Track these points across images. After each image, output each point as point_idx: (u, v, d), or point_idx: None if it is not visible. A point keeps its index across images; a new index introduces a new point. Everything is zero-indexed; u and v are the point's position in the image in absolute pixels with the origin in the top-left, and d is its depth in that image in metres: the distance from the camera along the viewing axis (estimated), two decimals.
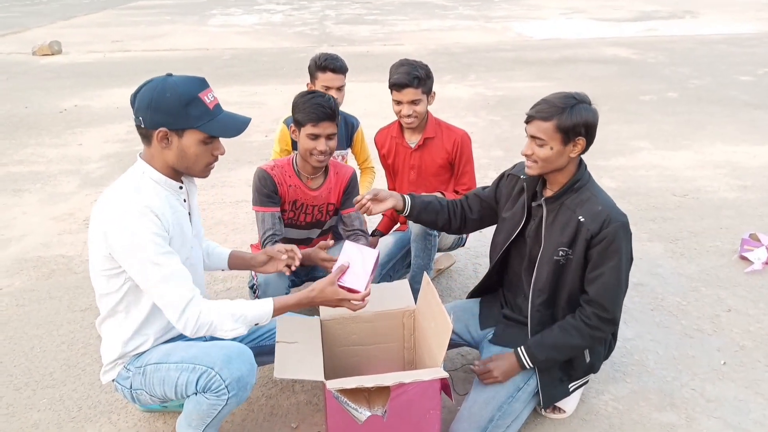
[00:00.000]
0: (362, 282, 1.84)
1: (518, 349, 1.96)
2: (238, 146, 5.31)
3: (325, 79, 2.85)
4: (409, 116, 2.63)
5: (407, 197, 2.18)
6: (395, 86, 2.60)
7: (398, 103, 2.64)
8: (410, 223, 2.55)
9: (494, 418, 1.87)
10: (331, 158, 3.00)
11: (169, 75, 1.70)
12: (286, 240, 2.57)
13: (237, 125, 1.73)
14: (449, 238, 2.74)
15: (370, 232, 3.03)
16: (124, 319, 1.77)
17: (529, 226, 2.03)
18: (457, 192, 2.79)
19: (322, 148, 2.28)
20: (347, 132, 3.07)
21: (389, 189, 3.02)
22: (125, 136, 5.71)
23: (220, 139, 1.75)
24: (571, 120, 1.81)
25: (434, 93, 2.72)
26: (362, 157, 3.19)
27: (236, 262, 2.14)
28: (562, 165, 1.90)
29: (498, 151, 5.13)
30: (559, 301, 1.97)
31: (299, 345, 1.83)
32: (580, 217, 1.87)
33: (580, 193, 1.92)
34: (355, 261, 1.88)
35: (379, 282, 2.53)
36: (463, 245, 2.94)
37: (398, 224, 3.04)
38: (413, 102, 2.61)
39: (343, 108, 3.01)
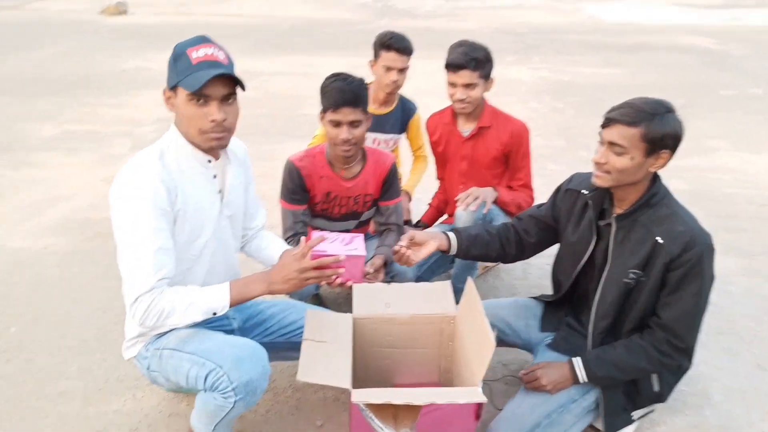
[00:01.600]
0: (336, 247, 1.67)
1: (574, 359, 1.79)
2: (287, 119, 5.23)
3: (388, 58, 2.69)
4: (462, 101, 2.44)
5: (451, 234, 1.99)
6: (451, 66, 2.41)
7: (452, 85, 2.45)
8: (457, 216, 2.37)
9: (541, 425, 1.71)
10: (380, 144, 2.88)
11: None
12: None
13: (203, 76, 1.51)
14: None
15: (414, 223, 2.89)
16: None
17: (599, 246, 1.83)
18: (510, 188, 2.59)
19: (344, 137, 2.11)
20: (403, 117, 2.91)
21: (438, 177, 2.85)
22: None
23: (223, 107, 1.56)
24: (662, 129, 1.60)
25: (493, 80, 2.51)
26: (416, 144, 3.03)
27: None
28: (638, 179, 1.69)
29: (559, 140, 4.84)
30: (624, 327, 1.79)
31: (328, 345, 1.71)
32: (658, 238, 1.66)
33: (656, 209, 1.71)
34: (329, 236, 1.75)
35: (418, 280, 2.38)
36: None
37: (445, 216, 2.87)
38: (468, 86, 2.41)
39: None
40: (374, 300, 1.94)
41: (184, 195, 1.63)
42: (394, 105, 2.88)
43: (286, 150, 4.66)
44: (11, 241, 3.14)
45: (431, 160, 2.93)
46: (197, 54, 1.55)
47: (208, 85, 1.52)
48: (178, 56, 1.56)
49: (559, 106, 5.88)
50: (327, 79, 2.15)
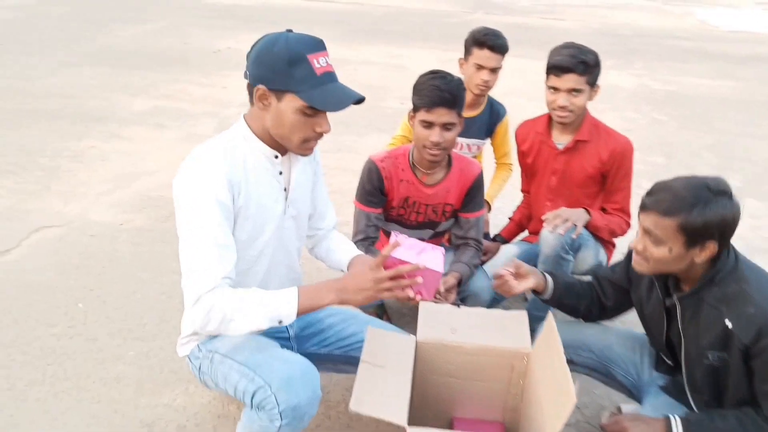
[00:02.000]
0: (412, 256, 1.52)
1: (673, 417, 1.56)
2: (370, 110, 5.11)
3: (481, 56, 2.50)
4: (563, 108, 2.20)
5: (548, 276, 1.83)
6: (555, 69, 2.18)
7: (554, 90, 2.21)
8: (542, 238, 2.16)
9: None
10: (462, 149, 2.70)
11: (289, 31, 1.48)
12: None
13: (341, 99, 1.45)
14: (587, 262, 2.31)
15: (492, 237, 2.69)
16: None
17: (672, 323, 1.64)
18: (604, 210, 2.34)
19: (435, 140, 1.95)
20: (490, 120, 2.71)
21: (523, 190, 2.63)
22: None
23: (328, 114, 1.50)
24: (702, 219, 1.41)
25: (598, 87, 2.27)
26: (501, 151, 2.82)
27: None
28: (684, 269, 1.51)
29: (658, 156, 4.45)
30: (728, 402, 1.55)
31: (386, 371, 1.57)
32: (727, 322, 1.45)
33: (723, 286, 1.49)
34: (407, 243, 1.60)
35: (490, 304, 2.19)
36: None
37: (526, 233, 2.65)
38: (573, 91, 2.17)
39: None
40: (440, 323, 1.78)
41: (248, 191, 1.54)
42: (482, 108, 2.68)
43: (367, 143, 4.60)
44: (93, 213, 3.22)
45: (515, 168, 2.72)
46: (319, 63, 1.44)
47: None
48: (296, 60, 1.41)
49: (660, 118, 5.42)
50: (423, 76, 2.00)
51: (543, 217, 2.17)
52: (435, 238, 2.30)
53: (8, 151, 3.95)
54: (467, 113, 2.64)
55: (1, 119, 4.52)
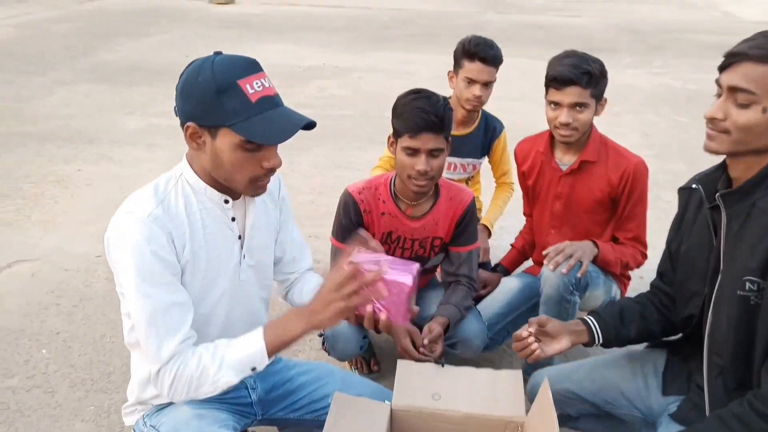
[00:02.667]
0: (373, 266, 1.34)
1: None
2: (371, 122, 4.89)
3: (472, 69, 2.27)
4: (566, 126, 1.95)
5: (589, 319, 1.56)
6: (555, 82, 1.92)
7: (555, 105, 1.96)
8: (543, 278, 1.90)
9: None
10: (457, 169, 2.46)
11: (218, 53, 1.28)
12: None
13: (283, 127, 1.23)
14: (597, 301, 2.03)
15: (492, 266, 2.44)
16: (141, 354, 1.41)
17: (713, 254, 1.35)
18: (616, 240, 2.07)
19: (421, 168, 1.71)
20: (486, 137, 2.48)
21: (525, 214, 2.37)
22: None
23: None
24: None
25: (605, 100, 2.01)
26: (501, 170, 2.57)
27: None
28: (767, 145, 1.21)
29: (679, 164, 4.14)
30: (754, 364, 1.26)
31: None
32: None
33: None
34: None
35: (491, 341, 1.94)
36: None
37: (530, 263, 2.39)
38: (576, 106, 1.92)
39: (493, 95, 2.39)
40: (421, 386, 1.54)
41: (193, 244, 1.33)
42: (475, 124, 2.45)
43: (367, 158, 4.35)
44: (70, 244, 3.04)
45: (518, 187, 2.47)
46: (253, 88, 1.22)
47: None
48: (225, 89, 1.20)
49: (681, 120, 5.09)
50: (404, 96, 1.77)
51: (544, 253, 1.91)
52: (424, 276, 2.06)
53: None
54: (460, 131, 2.42)
55: None
